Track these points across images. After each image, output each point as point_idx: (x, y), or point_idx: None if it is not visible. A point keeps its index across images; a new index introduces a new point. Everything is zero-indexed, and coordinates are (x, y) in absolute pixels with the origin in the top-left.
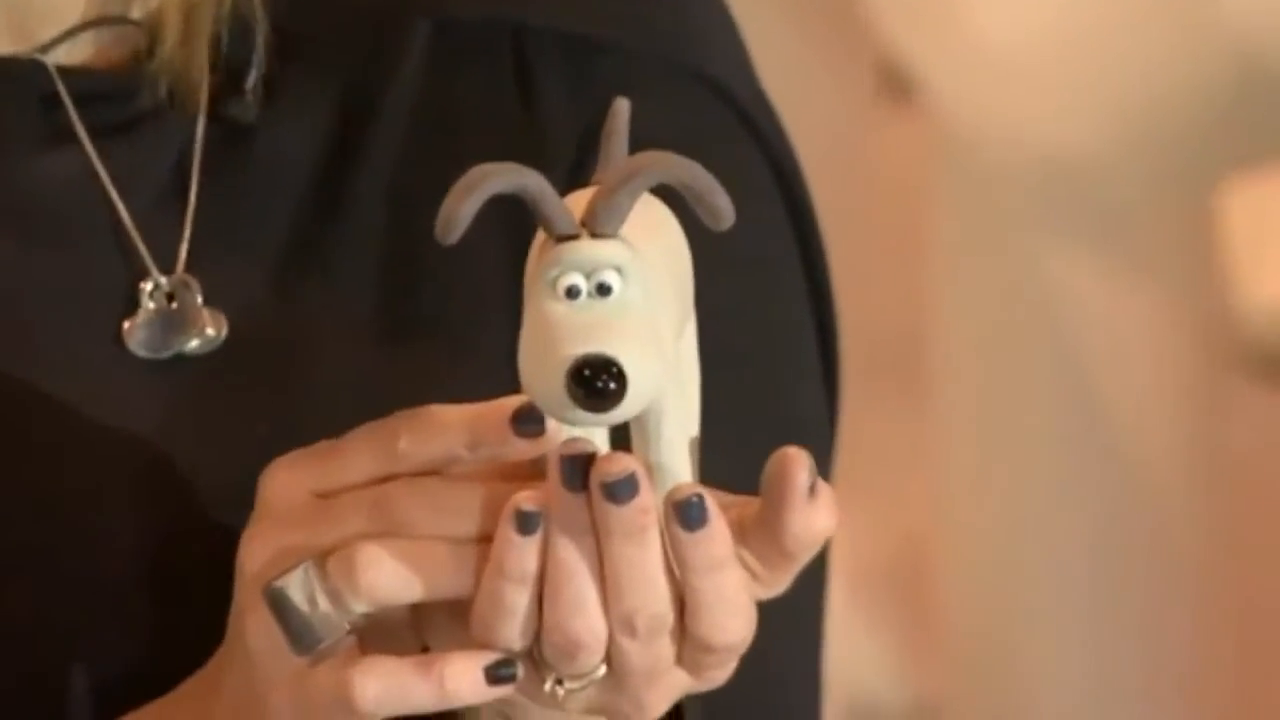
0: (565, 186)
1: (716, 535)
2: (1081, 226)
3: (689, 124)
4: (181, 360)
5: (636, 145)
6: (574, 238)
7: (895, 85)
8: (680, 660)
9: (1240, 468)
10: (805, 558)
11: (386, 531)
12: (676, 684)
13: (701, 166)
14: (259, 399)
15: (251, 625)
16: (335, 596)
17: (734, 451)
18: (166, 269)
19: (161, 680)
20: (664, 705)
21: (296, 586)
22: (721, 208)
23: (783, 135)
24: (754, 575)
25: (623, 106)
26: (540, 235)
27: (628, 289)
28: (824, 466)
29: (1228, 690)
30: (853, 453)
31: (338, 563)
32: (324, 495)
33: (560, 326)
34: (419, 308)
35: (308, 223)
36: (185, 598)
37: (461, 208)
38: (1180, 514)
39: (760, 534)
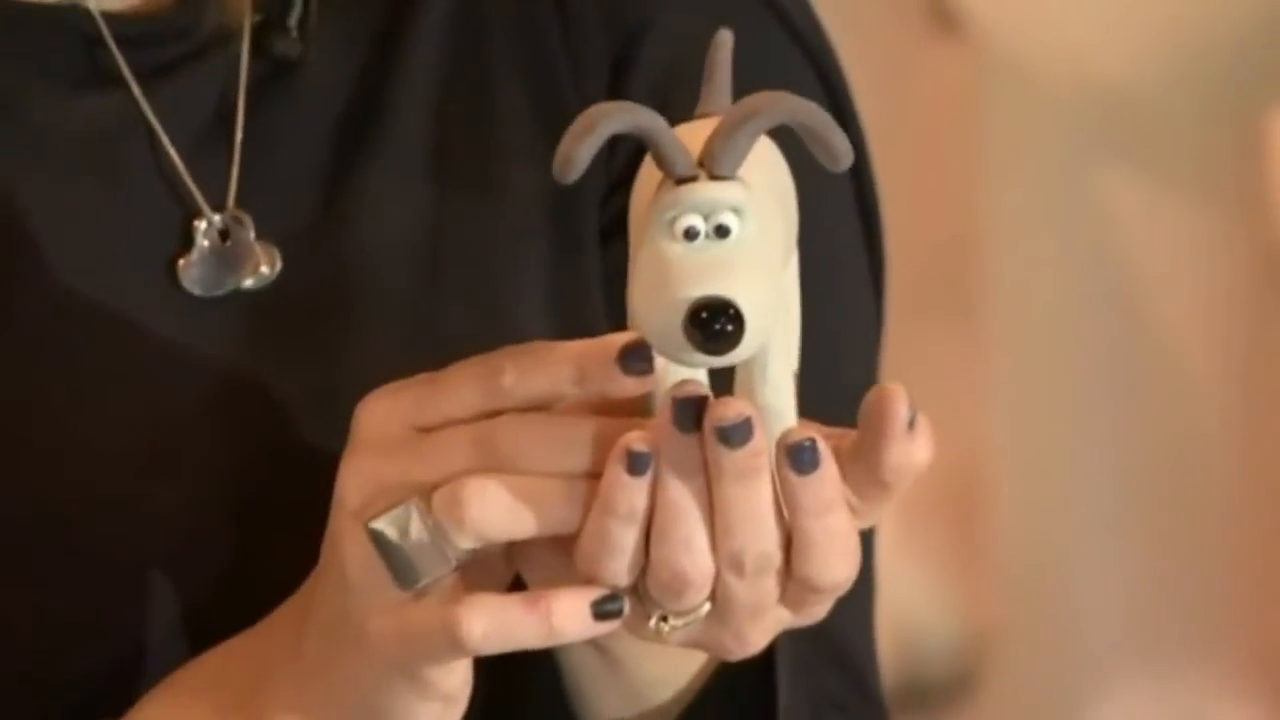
0: (605, 94)
1: (827, 478)
2: (1128, 149)
3: (742, 40)
4: (236, 296)
5: (673, 51)
6: (693, 179)
7: (944, 16)
8: (784, 598)
9: None
10: (902, 490)
11: (491, 467)
12: (778, 620)
13: (818, 108)
14: (313, 330)
15: (350, 555)
16: (440, 533)
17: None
18: (217, 206)
19: (240, 607)
20: (765, 640)
21: (401, 522)
22: (839, 147)
23: (832, 53)
24: (850, 507)
25: (725, 38)
26: (655, 173)
27: (745, 230)
28: (873, 371)
29: (1274, 608)
30: (901, 380)
31: (443, 499)
32: (423, 429)
33: (678, 267)
34: (461, 228)
35: (351, 150)
36: (259, 525)
37: (580, 148)
38: (1226, 435)
39: (858, 466)
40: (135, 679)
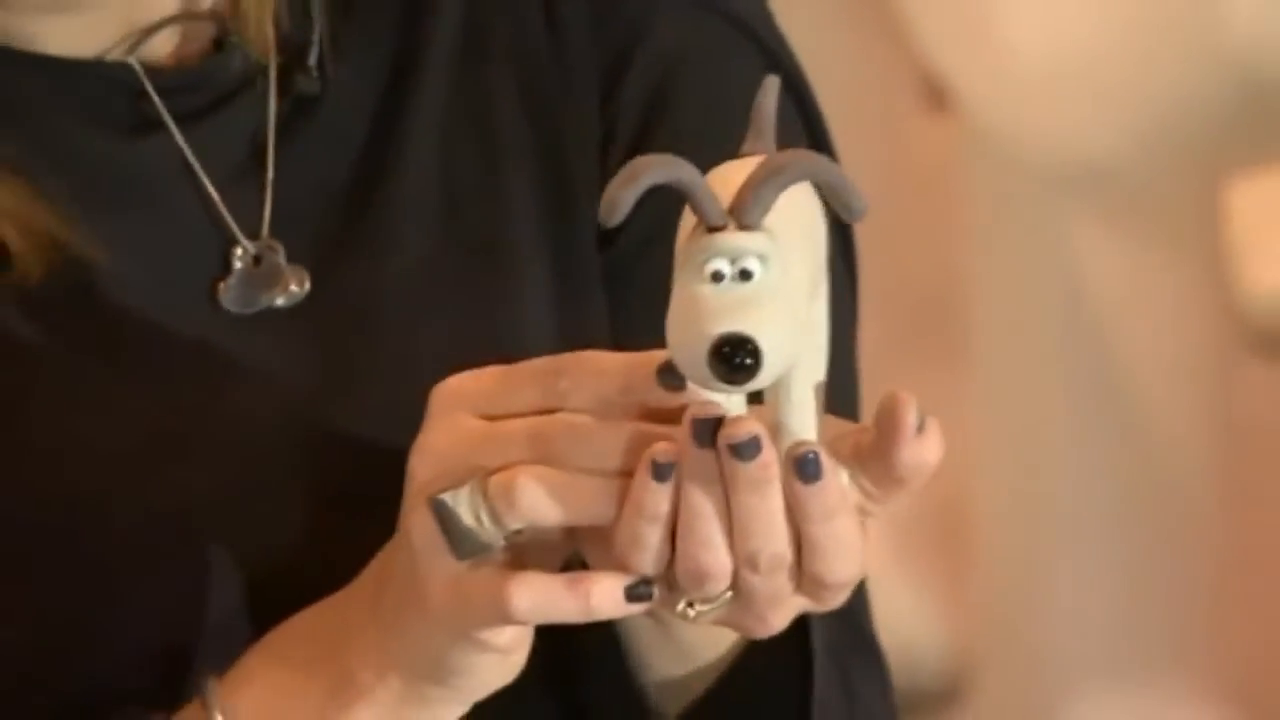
0: (596, 117)
1: (830, 487)
2: (1103, 218)
3: (712, 51)
4: (269, 313)
5: (662, 70)
6: (722, 228)
7: (934, 94)
8: (799, 590)
9: (1245, 431)
10: (917, 484)
11: (541, 460)
12: (797, 605)
13: (837, 166)
14: (339, 340)
15: (416, 526)
16: (494, 513)
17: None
18: (251, 234)
19: (302, 578)
20: (785, 622)
21: (461, 501)
22: (854, 204)
23: (801, 72)
24: (870, 497)
25: (772, 84)
26: (691, 219)
27: (768, 273)
28: (854, 362)
29: (1239, 622)
30: None
31: (498, 485)
32: (488, 418)
33: (705, 306)
34: (472, 246)
35: (370, 179)
36: (320, 512)
37: (624, 195)
38: (1194, 471)
39: (876, 464)
40: (187, 664)
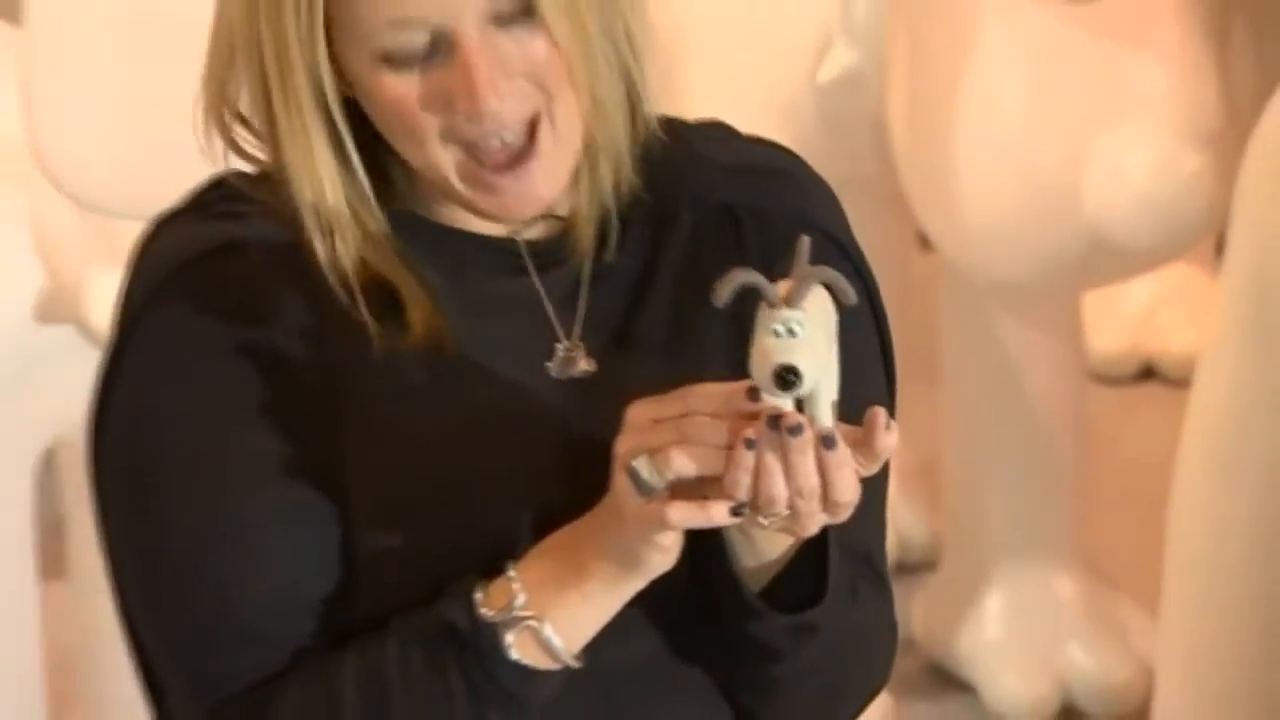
0: (735, 293)
1: (841, 452)
2: (1015, 310)
3: (818, 254)
4: (572, 381)
5: (784, 268)
6: (778, 307)
7: (925, 240)
8: (823, 509)
9: (1092, 411)
10: (885, 458)
11: (682, 441)
12: (821, 519)
13: (840, 274)
14: (610, 398)
15: (619, 480)
16: (659, 470)
17: (849, 399)
18: (568, 336)
19: (567, 517)
20: (817, 528)
21: (641, 465)
22: (846, 296)
23: (866, 264)
24: (861, 465)
25: (806, 242)
26: (763, 306)
27: (805, 332)
28: (889, 402)
29: (1097, 527)
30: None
31: (661, 455)
32: (656, 420)
33: (771, 349)
34: (686, 357)
35: (631, 311)
36: (580, 481)
37: (726, 289)
38: (1062, 433)
39: (863, 447)
40: (507, 557)
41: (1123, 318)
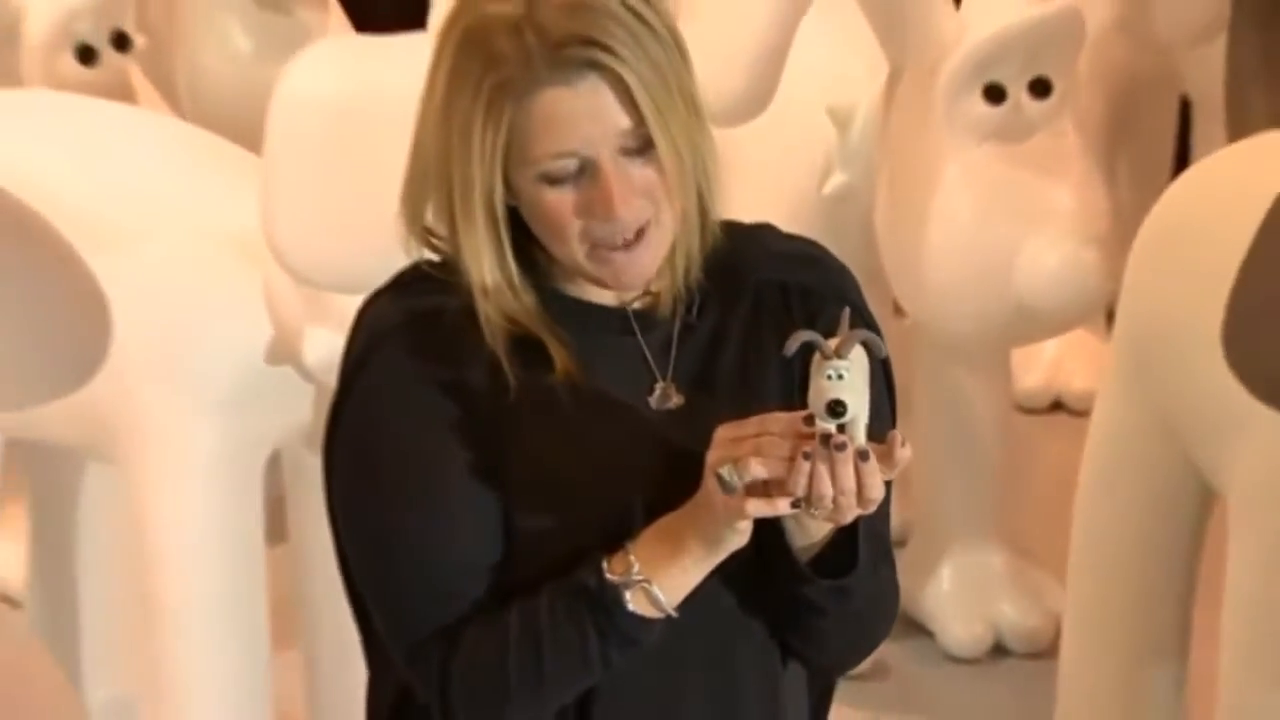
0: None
1: (872, 464)
2: (965, 362)
3: (846, 321)
4: (667, 412)
5: (825, 329)
6: (831, 358)
7: (897, 306)
8: (858, 505)
9: (1017, 419)
10: (902, 467)
11: (757, 453)
12: (856, 512)
13: (876, 337)
14: (697, 427)
15: (709, 483)
16: (740, 474)
17: (875, 424)
18: (663, 378)
19: (665, 510)
20: (852, 518)
21: (726, 470)
22: (881, 349)
23: (878, 328)
24: (884, 472)
25: (847, 312)
26: (818, 356)
27: (849, 376)
28: (894, 425)
29: (1022, 509)
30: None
31: (741, 463)
32: (737, 438)
33: (825, 388)
34: (749, 393)
35: (708, 358)
36: (674, 482)
37: (794, 344)
38: (991, 443)
39: (886, 459)
40: (622, 542)
41: (1039, 364)
